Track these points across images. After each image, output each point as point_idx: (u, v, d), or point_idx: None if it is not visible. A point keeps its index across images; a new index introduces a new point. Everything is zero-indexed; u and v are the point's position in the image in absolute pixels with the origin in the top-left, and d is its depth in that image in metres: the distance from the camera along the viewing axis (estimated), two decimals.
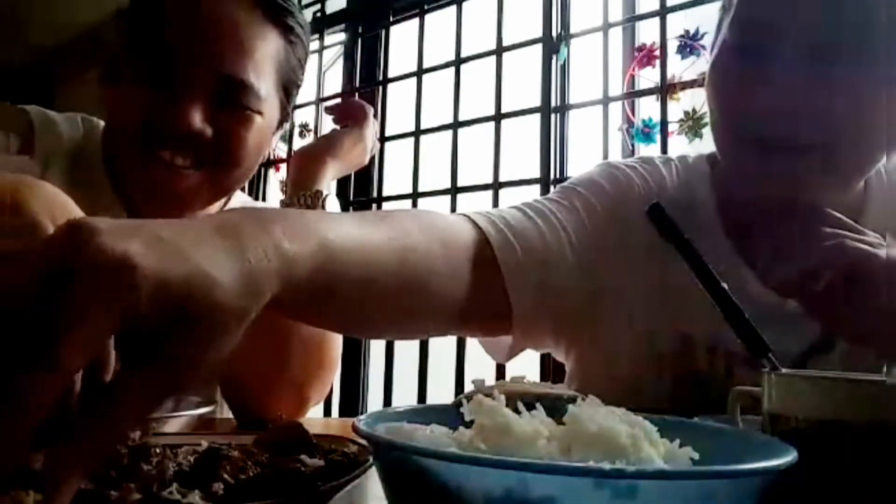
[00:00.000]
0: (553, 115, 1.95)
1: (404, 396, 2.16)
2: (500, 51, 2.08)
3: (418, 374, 2.09)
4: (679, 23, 1.81)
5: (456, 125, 2.14)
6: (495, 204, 2.01)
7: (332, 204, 0.90)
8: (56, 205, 0.52)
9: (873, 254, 0.58)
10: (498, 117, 2.05)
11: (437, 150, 2.20)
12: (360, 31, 2.52)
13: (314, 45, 2.38)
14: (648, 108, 1.87)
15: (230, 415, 0.90)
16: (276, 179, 2.62)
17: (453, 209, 2.10)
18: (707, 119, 0.84)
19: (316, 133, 2.52)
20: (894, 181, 0.82)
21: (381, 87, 2.41)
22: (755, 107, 0.69)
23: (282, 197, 0.94)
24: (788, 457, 0.31)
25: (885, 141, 0.71)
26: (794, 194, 0.70)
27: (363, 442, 0.47)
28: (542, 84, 1.97)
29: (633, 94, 1.89)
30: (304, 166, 0.93)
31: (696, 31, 1.76)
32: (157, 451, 0.43)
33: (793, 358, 0.73)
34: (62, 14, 3.18)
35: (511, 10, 2.10)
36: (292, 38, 0.91)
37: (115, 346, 0.37)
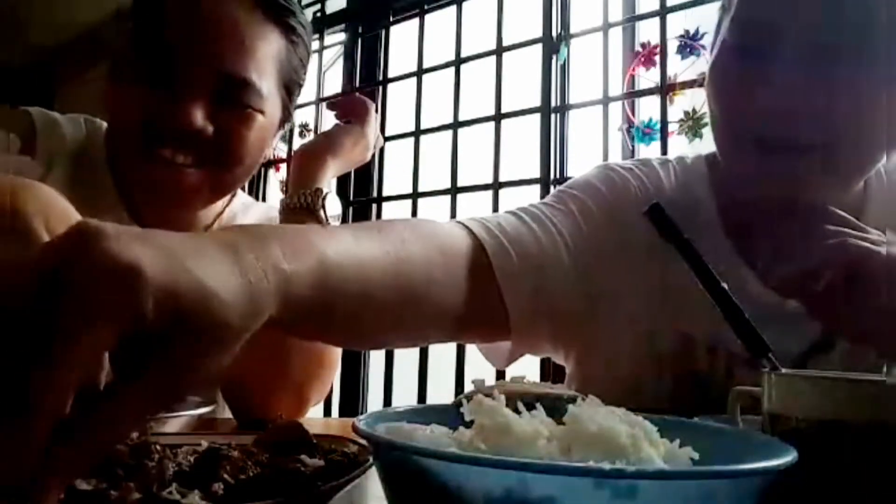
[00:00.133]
0: (553, 115, 1.95)
1: (404, 396, 2.16)
2: (500, 51, 2.08)
3: (418, 374, 2.09)
4: (679, 23, 1.81)
5: (456, 125, 2.14)
6: (495, 204, 2.01)
7: (333, 202, 0.90)
8: (52, 207, 0.52)
9: (875, 251, 0.58)
10: (498, 117, 2.05)
11: (437, 150, 2.20)
12: (360, 31, 2.52)
13: (314, 45, 2.38)
14: (648, 108, 1.87)
15: (231, 415, 0.90)
16: (276, 179, 2.62)
17: (453, 209, 2.10)
18: (707, 119, 0.84)
19: (316, 133, 2.52)
20: (894, 181, 0.82)
21: (381, 87, 2.41)
22: (755, 107, 0.69)
23: (282, 196, 0.94)
24: (788, 457, 0.31)
25: (886, 141, 0.71)
26: (794, 194, 0.70)
27: (363, 442, 0.47)
28: (542, 84, 1.97)
29: (633, 94, 1.89)
30: (305, 164, 0.93)
31: (696, 31, 1.76)
32: (158, 448, 0.43)
33: (793, 358, 0.73)
34: (62, 14, 3.18)
35: (511, 10, 2.10)
36: (294, 37, 0.91)
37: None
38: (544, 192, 1.90)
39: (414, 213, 2.22)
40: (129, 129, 0.84)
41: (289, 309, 0.41)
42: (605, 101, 1.87)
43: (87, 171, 0.90)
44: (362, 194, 2.33)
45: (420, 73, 2.26)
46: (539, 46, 1.99)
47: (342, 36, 2.56)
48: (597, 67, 1.89)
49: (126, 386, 0.33)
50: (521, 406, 0.36)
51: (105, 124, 0.95)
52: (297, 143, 2.53)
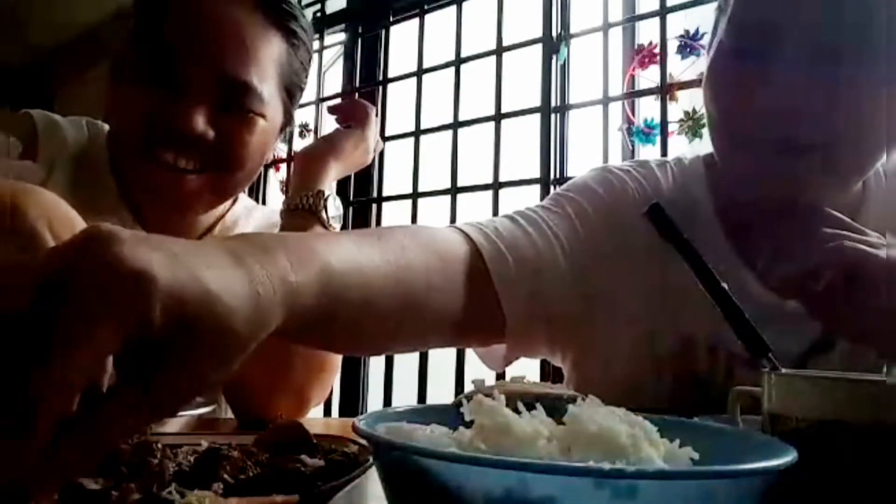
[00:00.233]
0: (553, 115, 1.95)
1: (404, 396, 2.16)
2: (500, 51, 2.08)
3: (418, 374, 2.09)
4: (679, 23, 1.81)
5: (456, 125, 2.14)
6: (495, 204, 2.01)
7: (335, 204, 0.91)
8: (55, 212, 0.52)
9: (873, 254, 0.58)
10: (498, 117, 2.05)
11: (437, 150, 2.20)
12: (360, 31, 2.52)
13: (314, 45, 2.38)
14: (648, 109, 1.87)
15: (232, 415, 0.90)
16: (276, 179, 2.62)
17: (453, 209, 2.10)
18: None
19: (316, 133, 2.52)
20: (892, 181, 0.81)
21: (381, 87, 2.41)
22: (754, 107, 0.69)
23: (282, 197, 0.94)
24: (788, 457, 0.31)
25: (885, 141, 0.71)
26: (793, 195, 0.70)
27: (363, 442, 0.47)
28: (542, 84, 1.97)
29: (633, 95, 1.89)
30: (307, 167, 0.93)
31: (696, 31, 1.76)
32: (159, 445, 0.43)
33: (793, 358, 0.73)
34: (62, 14, 3.18)
35: (511, 10, 2.10)
36: (295, 41, 0.92)
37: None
38: (544, 192, 1.90)
39: (414, 213, 2.22)
40: (131, 132, 0.85)
41: (294, 319, 0.42)
42: (605, 101, 1.87)
43: (89, 174, 0.90)
44: (362, 194, 2.33)
45: (420, 73, 2.26)
46: (539, 46, 1.99)
47: (342, 36, 2.56)
48: (597, 67, 1.89)
49: (129, 390, 0.33)
50: (521, 406, 0.36)
51: (107, 127, 0.95)
52: (297, 143, 2.53)
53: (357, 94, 2.43)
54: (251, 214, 1.04)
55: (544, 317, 0.75)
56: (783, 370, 0.45)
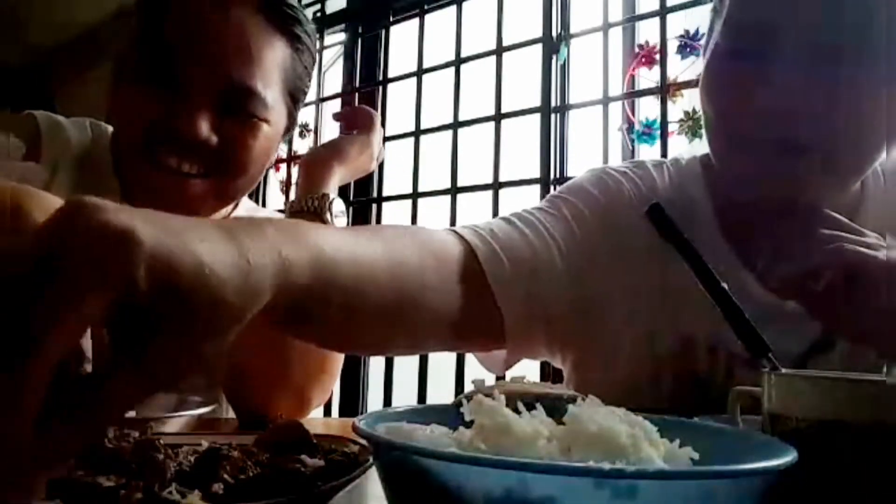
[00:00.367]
0: (553, 115, 1.95)
1: (404, 396, 2.16)
2: (500, 51, 2.08)
3: (418, 374, 2.09)
4: (679, 23, 1.81)
5: (456, 125, 2.14)
6: (495, 204, 2.01)
7: (339, 207, 0.91)
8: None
9: (872, 256, 0.58)
10: (498, 117, 2.05)
11: (437, 150, 2.20)
12: (360, 31, 2.52)
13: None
14: (648, 108, 1.87)
15: (232, 415, 0.91)
16: (276, 179, 2.63)
17: (453, 209, 2.10)
18: None
19: (316, 133, 2.52)
20: (891, 181, 0.81)
21: (381, 87, 2.42)
22: (753, 108, 0.69)
23: (282, 197, 0.95)
24: (788, 457, 0.31)
25: (884, 141, 0.71)
26: (792, 195, 0.70)
27: (363, 442, 0.47)
28: (542, 84, 1.97)
29: (633, 94, 1.89)
30: (312, 171, 0.93)
31: (696, 31, 1.76)
32: (161, 442, 0.43)
33: (793, 358, 0.73)
34: (62, 14, 3.18)
35: (511, 10, 2.10)
36: (299, 45, 0.92)
37: (108, 332, 0.37)
38: (544, 192, 1.90)
39: (414, 213, 2.22)
40: (134, 136, 0.85)
41: (286, 295, 0.41)
42: (605, 101, 1.87)
43: (92, 176, 0.90)
44: (362, 194, 2.34)
45: (420, 73, 2.26)
46: (539, 46, 2.00)
47: (342, 36, 2.57)
48: (597, 67, 1.89)
49: (124, 365, 0.33)
50: (521, 406, 0.36)
51: (110, 128, 0.95)
52: (298, 143, 2.53)
53: (357, 94, 2.44)
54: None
55: (542, 317, 0.75)
56: (783, 370, 0.45)
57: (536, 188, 1.94)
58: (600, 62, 1.89)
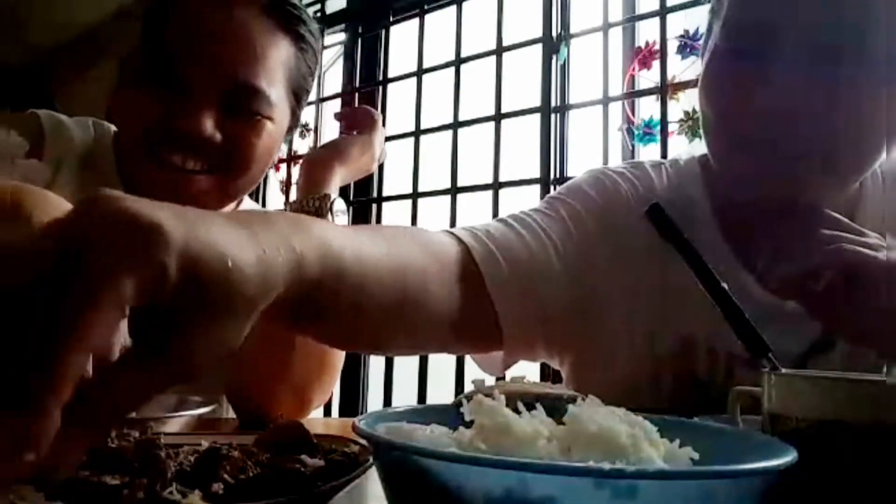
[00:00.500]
0: (553, 115, 1.95)
1: (404, 396, 2.16)
2: (500, 51, 2.08)
3: (418, 374, 2.09)
4: (679, 23, 1.81)
5: (456, 125, 2.14)
6: (495, 204, 2.01)
7: (340, 206, 0.91)
8: (60, 213, 0.52)
9: (872, 257, 0.58)
10: (498, 117, 2.05)
11: (437, 150, 2.20)
12: (360, 31, 2.52)
13: None
14: (648, 108, 1.87)
15: (232, 415, 0.91)
16: (275, 179, 2.63)
17: (453, 209, 2.10)
18: None
19: (316, 132, 2.52)
20: (889, 181, 0.81)
21: (381, 87, 2.42)
22: (753, 109, 0.69)
23: (282, 197, 0.95)
24: (788, 457, 0.31)
25: (885, 141, 0.71)
26: (792, 195, 0.70)
27: (363, 442, 0.47)
28: (542, 84, 1.97)
29: (633, 94, 1.89)
30: (313, 171, 0.94)
31: (696, 31, 1.76)
32: (162, 441, 0.43)
33: (793, 358, 0.73)
34: (62, 14, 3.18)
35: (511, 10, 2.10)
36: (303, 45, 0.92)
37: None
38: (544, 191, 1.90)
39: (414, 213, 2.22)
40: (139, 134, 0.85)
41: (297, 288, 0.41)
42: (605, 101, 1.87)
43: (95, 174, 0.90)
44: (362, 194, 2.34)
45: (420, 73, 2.26)
46: (539, 46, 2.00)
47: (342, 36, 2.57)
48: (597, 67, 1.89)
49: (145, 355, 0.33)
50: (521, 406, 0.35)
51: (113, 127, 0.95)
52: (298, 143, 2.53)
53: (357, 94, 2.44)
54: None
55: (540, 318, 0.75)
56: (783, 370, 0.45)
57: (536, 188, 1.94)
58: (600, 62, 1.89)
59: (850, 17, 0.67)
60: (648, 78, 1.87)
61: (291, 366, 0.84)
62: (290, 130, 0.97)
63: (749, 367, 0.64)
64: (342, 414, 2.20)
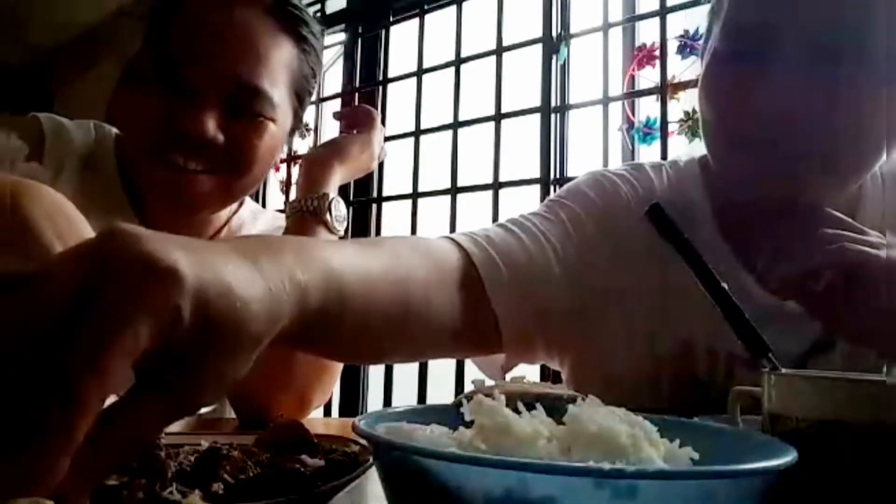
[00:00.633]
0: (553, 115, 1.95)
1: (404, 396, 2.16)
2: (500, 51, 2.08)
3: (418, 374, 2.09)
4: (679, 23, 1.81)
5: (456, 125, 2.14)
6: (495, 204, 2.01)
7: (339, 206, 0.91)
8: (55, 208, 0.52)
9: (874, 255, 0.58)
10: (498, 117, 2.05)
11: (437, 150, 2.20)
12: (360, 31, 2.52)
13: None
14: (648, 108, 1.87)
15: (233, 415, 0.91)
16: (276, 179, 2.63)
17: (453, 209, 2.10)
18: None
19: (316, 132, 2.52)
20: (889, 181, 0.81)
21: (381, 87, 2.42)
22: (753, 110, 0.69)
23: (282, 196, 0.95)
24: (788, 457, 0.31)
25: (885, 141, 0.71)
26: (793, 195, 0.70)
27: (363, 442, 0.47)
28: (542, 84, 1.97)
29: (633, 94, 1.89)
30: (313, 171, 0.94)
31: (696, 31, 1.76)
32: (162, 441, 0.43)
33: (793, 358, 0.73)
34: (62, 14, 3.18)
35: (511, 10, 2.10)
36: (306, 46, 0.92)
37: None
38: (544, 192, 1.90)
39: (414, 213, 2.22)
40: (142, 134, 0.85)
41: (302, 318, 0.42)
42: (605, 101, 1.87)
43: (96, 176, 0.90)
44: (362, 194, 2.34)
45: (420, 73, 2.26)
46: (539, 46, 2.00)
47: (342, 36, 2.57)
48: (597, 67, 1.89)
49: (153, 392, 0.33)
50: (521, 406, 0.36)
51: (114, 130, 0.95)
52: (298, 143, 2.53)
53: (357, 94, 2.44)
54: (257, 218, 1.05)
55: (539, 321, 0.75)
56: (783, 370, 0.45)
57: (536, 188, 1.94)
58: (600, 62, 1.89)
59: (850, 17, 0.67)
60: (648, 78, 1.87)
61: (293, 366, 0.84)
62: (293, 131, 0.97)
63: (749, 367, 0.64)
64: (342, 414, 2.20)
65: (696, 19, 1.78)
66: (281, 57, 0.89)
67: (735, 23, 0.72)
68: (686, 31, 1.80)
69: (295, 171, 2.46)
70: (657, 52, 1.81)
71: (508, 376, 0.79)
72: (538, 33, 2.00)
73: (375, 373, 2.26)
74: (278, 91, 0.88)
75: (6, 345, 0.30)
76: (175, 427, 0.69)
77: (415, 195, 2.22)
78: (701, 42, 0.83)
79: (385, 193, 2.36)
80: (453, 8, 2.22)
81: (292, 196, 0.95)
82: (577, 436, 0.33)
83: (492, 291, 0.70)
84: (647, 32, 1.89)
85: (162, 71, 0.84)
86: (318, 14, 2.55)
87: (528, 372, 0.59)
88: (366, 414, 0.39)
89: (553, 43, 1.97)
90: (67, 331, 0.30)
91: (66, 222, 0.53)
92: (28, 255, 0.49)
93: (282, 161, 2.54)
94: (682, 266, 0.55)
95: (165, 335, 0.32)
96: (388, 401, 2.17)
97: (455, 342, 0.69)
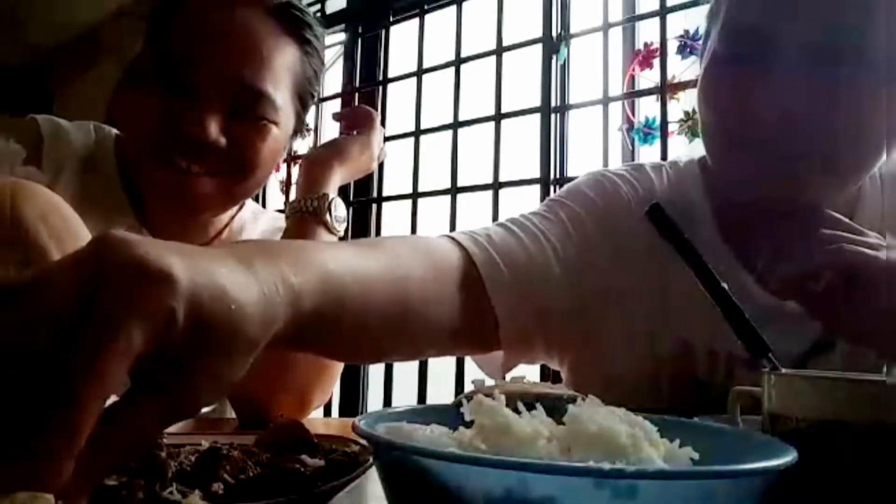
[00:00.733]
0: (553, 115, 1.95)
1: (404, 396, 2.16)
2: (500, 51, 2.08)
3: (418, 374, 2.09)
4: (679, 23, 1.81)
5: (456, 125, 2.14)
6: (495, 204, 2.01)
7: (339, 207, 0.91)
8: (50, 208, 0.52)
9: (873, 257, 0.58)
10: (498, 117, 2.05)
11: (437, 150, 2.20)
12: (360, 31, 2.52)
13: None
14: (648, 108, 1.87)
15: (233, 415, 0.91)
16: (275, 179, 2.62)
17: (453, 209, 2.10)
18: None
19: (316, 132, 2.52)
20: (887, 182, 0.81)
21: (381, 87, 2.41)
22: (753, 112, 0.69)
23: (282, 196, 0.95)
24: (788, 457, 0.31)
25: (885, 141, 0.71)
26: (793, 195, 0.70)
27: (363, 442, 0.47)
28: (542, 84, 1.97)
29: (633, 94, 1.89)
30: (313, 171, 0.94)
31: (696, 31, 1.76)
32: (163, 441, 0.43)
33: (793, 358, 0.73)
34: (62, 14, 3.18)
35: (511, 10, 2.10)
36: (309, 49, 0.92)
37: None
38: (544, 191, 1.90)
39: (414, 213, 2.22)
40: (142, 135, 0.85)
41: (296, 321, 0.42)
42: (605, 101, 1.87)
43: (96, 177, 0.90)
44: (362, 194, 2.34)
45: (420, 73, 2.26)
46: (539, 46, 1.99)
47: (342, 36, 2.56)
48: (597, 67, 1.89)
49: (149, 396, 0.33)
50: (521, 406, 0.36)
51: (114, 130, 0.95)
52: (298, 143, 2.53)
53: (357, 94, 2.44)
54: (258, 219, 1.05)
55: (539, 321, 0.75)
56: (783, 370, 0.45)
57: (536, 188, 1.94)
58: (600, 62, 1.89)
59: (848, 17, 0.67)
60: (648, 78, 1.87)
61: (293, 366, 0.84)
62: (295, 134, 0.97)
63: (749, 367, 0.64)
64: (342, 414, 2.20)
65: (696, 19, 1.78)
66: (284, 59, 0.89)
67: (733, 24, 0.72)
68: (686, 31, 1.80)
69: (295, 171, 2.46)
70: (657, 52, 1.81)
71: (508, 376, 0.79)
72: (538, 33, 2.00)
73: (375, 373, 2.26)
74: (281, 94, 0.88)
75: (8, 352, 0.30)
76: (175, 427, 0.69)
77: (415, 195, 2.22)
78: (700, 43, 0.83)
79: (385, 193, 2.36)
80: (453, 8, 2.22)
81: (292, 196, 0.95)
82: (577, 436, 0.33)
83: (492, 291, 0.70)
84: (647, 32, 1.89)
85: (162, 71, 0.84)
86: (318, 14, 2.55)
87: (528, 372, 0.59)
88: (366, 414, 0.39)
89: (553, 43, 1.97)
90: (67, 336, 0.30)
91: (62, 222, 0.54)
92: (23, 255, 0.49)
93: (282, 161, 2.54)
94: (682, 266, 0.55)
95: (160, 337, 0.32)
96: (388, 401, 2.17)
97: (454, 341, 0.69)
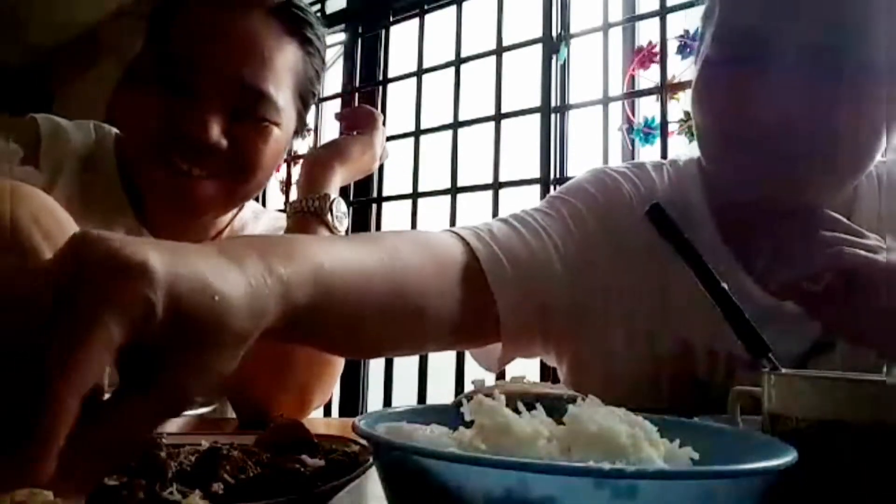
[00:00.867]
0: (553, 115, 1.95)
1: (404, 396, 2.16)
2: (500, 51, 2.08)
3: (418, 374, 2.09)
4: (679, 23, 1.81)
5: (456, 125, 2.14)
6: (495, 204, 2.01)
7: (340, 207, 0.91)
8: (43, 210, 0.52)
9: (872, 259, 0.58)
10: (498, 117, 2.05)
11: (437, 150, 2.20)
12: (360, 31, 2.52)
13: None
14: (648, 108, 1.87)
15: (234, 415, 0.91)
16: (276, 179, 2.63)
17: (453, 209, 2.10)
18: None
19: (316, 132, 2.52)
20: (884, 181, 0.81)
21: (381, 87, 2.42)
22: (749, 113, 0.69)
23: (282, 196, 0.95)
24: (788, 457, 0.31)
25: (882, 141, 0.71)
26: (791, 195, 0.70)
27: (363, 442, 0.47)
28: (542, 84, 1.97)
29: (633, 94, 1.89)
30: (314, 171, 0.93)
31: (696, 31, 1.76)
32: (163, 441, 0.43)
33: (793, 358, 0.73)
34: (62, 14, 3.18)
35: (511, 10, 2.10)
36: (310, 49, 0.92)
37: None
38: (544, 191, 1.90)
39: (414, 213, 2.22)
40: (145, 137, 0.85)
41: (287, 314, 0.42)
42: (605, 101, 1.87)
43: (96, 177, 0.90)
44: (362, 194, 2.34)
45: (420, 73, 2.26)
46: (539, 46, 2.00)
47: (342, 36, 2.56)
48: (597, 67, 1.89)
49: (135, 395, 0.33)
50: (521, 406, 0.36)
51: (114, 130, 0.95)
52: (298, 143, 2.53)
53: (357, 94, 2.44)
54: (259, 219, 1.05)
55: (539, 317, 0.75)
56: (783, 370, 0.45)
57: (536, 188, 1.94)
58: (600, 62, 1.89)
59: (843, 18, 0.67)
60: (648, 78, 1.87)
61: (293, 366, 0.83)
62: (297, 134, 0.97)
63: (749, 367, 0.64)
64: (342, 414, 2.20)
65: (696, 19, 1.77)
66: (286, 59, 0.88)
67: (728, 26, 0.72)
68: (686, 31, 1.80)
69: (295, 171, 2.46)
70: (657, 52, 1.81)
71: (508, 376, 0.79)
72: (538, 33, 2.00)
73: (375, 372, 2.26)
74: (283, 94, 0.88)
75: None
76: (175, 427, 0.69)
77: (415, 195, 2.22)
78: (696, 45, 0.83)
79: (385, 193, 2.36)
80: (453, 8, 2.22)
81: (292, 196, 0.94)
82: (577, 436, 0.33)
83: (495, 286, 0.70)
84: (647, 32, 1.89)
85: (162, 71, 0.84)
86: (318, 14, 2.55)
87: (528, 372, 0.60)
88: (366, 414, 0.39)
89: (553, 43, 1.97)
90: (46, 334, 0.30)
91: (55, 223, 0.53)
92: (16, 258, 0.49)
93: (282, 161, 2.54)
94: (682, 266, 0.55)
95: (139, 330, 0.32)
96: (388, 400, 2.17)
97: (454, 335, 0.69)
